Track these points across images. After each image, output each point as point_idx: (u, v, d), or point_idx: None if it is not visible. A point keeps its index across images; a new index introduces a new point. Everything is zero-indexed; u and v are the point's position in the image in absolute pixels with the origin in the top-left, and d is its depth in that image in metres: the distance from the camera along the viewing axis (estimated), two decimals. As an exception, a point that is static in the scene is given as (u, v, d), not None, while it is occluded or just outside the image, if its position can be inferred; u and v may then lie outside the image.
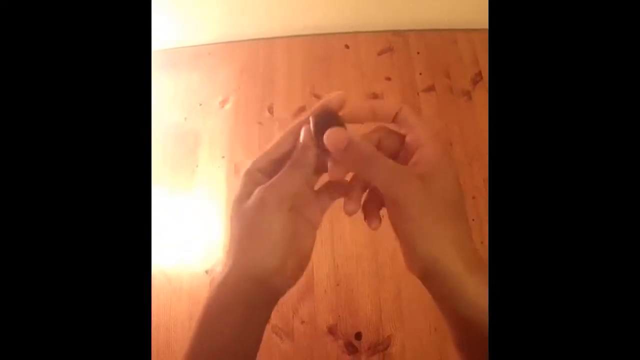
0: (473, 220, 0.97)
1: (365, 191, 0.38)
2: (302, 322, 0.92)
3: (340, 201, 0.38)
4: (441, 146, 0.34)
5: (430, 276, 0.33)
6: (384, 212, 0.37)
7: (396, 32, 1.22)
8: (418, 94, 1.13)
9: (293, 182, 0.34)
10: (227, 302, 0.35)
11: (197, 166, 1.11)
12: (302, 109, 1.14)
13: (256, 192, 0.34)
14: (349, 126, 0.35)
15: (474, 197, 0.99)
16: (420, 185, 0.32)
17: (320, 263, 0.96)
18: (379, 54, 1.19)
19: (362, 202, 0.38)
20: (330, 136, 0.33)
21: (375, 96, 1.13)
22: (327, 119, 0.34)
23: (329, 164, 0.35)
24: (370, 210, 0.38)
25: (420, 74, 1.15)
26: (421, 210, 0.32)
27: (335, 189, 0.39)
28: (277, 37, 1.25)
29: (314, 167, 0.35)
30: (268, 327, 0.91)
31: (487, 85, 1.12)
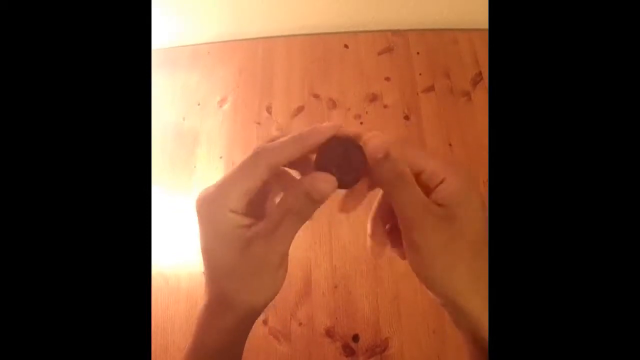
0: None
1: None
2: (300, 324, 0.91)
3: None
4: (465, 179, 0.31)
5: (447, 308, 0.33)
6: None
7: (396, 32, 1.21)
8: (418, 94, 1.12)
9: (294, 232, 0.31)
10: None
11: (195, 166, 1.11)
12: (300, 109, 1.14)
13: (259, 254, 0.31)
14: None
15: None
16: (442, 224, 0.30)
17: (318, 265, 0.95)
18: (379, 53, 1.19)
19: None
20: (373, 140, 0.31)
21: (374, 96, 1.13)
22: (351, 146, 0.31)
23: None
24: (379, 231, 0.37)
25: (420, 74, 1.15)
26: (440, 250, 0.30)
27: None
28: (276, 37, 1.25)
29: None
30: (265, 329, 0.91)
31: (487, 85, 1.12)
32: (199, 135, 1.15)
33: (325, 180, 0.30)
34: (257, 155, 0.31)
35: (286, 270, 0.34)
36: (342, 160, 0.31)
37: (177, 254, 1.03)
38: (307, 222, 0.31)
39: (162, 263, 1.02)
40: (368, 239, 0.39)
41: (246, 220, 0.31)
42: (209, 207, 0.31)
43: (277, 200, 0.31)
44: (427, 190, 0.32)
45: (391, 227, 0.38)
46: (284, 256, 0.32)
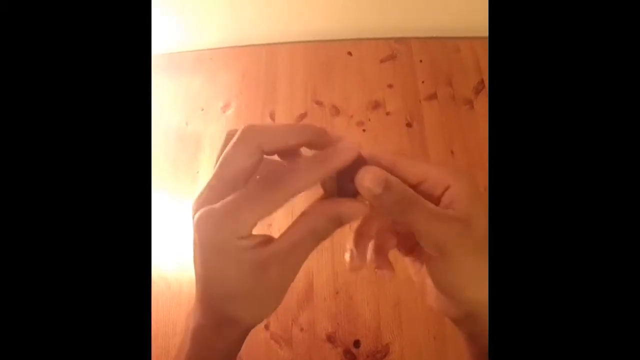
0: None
1: (370, 241, 0.36)
2: (301, 329, 0.91)
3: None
4: (469, 181, 0.31)
5: (469, 317, 0.32)
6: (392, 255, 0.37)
7: (399, 40, 1.22)
8: (420, 101, 1.13)
9: (311, 251, 0.31)
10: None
11: (197, 172, 1.11)
12: (303, 116, 1.14)
13: (275, 271, 0.29)
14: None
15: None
16: (462, 228, 0.29)
17: (320, 271, 0.95)
18: (382, 61, 1.19)
19: (368, 256, 0.36)
20: (367, 176, 0.29)
21: (377, 104, 1.13)
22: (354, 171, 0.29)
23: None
24: (382, 257, 0.37)
25: (423, 82, 1.15)
26: (467, 257, 0.29)
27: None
28: (280, 43, 1.26)
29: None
30: (267, 334, 0.91)
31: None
32: (202, 140, 1.15)
33: (354, 207, 0.29)
34: (245, 134, 0.29)
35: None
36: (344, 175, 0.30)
37: (179, 258, 1.03)
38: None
39: (164, 267, 1.02)
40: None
41: (258, 238, 0.29)
42: (216, 231, 0.28)
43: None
44: (433, 199, 0.31)
45: (377, 246, 0.38)
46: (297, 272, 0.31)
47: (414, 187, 0.31)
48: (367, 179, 0.29)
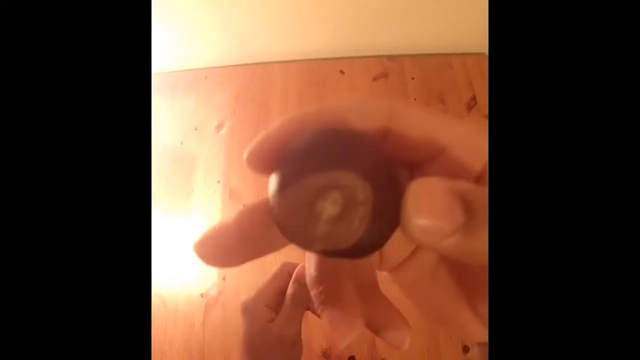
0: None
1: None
2: (296, 349, 0.91)
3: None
4: None
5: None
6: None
7: (391, 57, 1.23)
8: (412, 119, 1.13)
9: (301, 314, 0.42)
10: None
11: (192, 191, 1.12)
12: (297, 135, 1.13)
13: (275, 329, 0.41)
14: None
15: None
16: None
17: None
18: (374, 79, 1.20)
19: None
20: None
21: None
22: None
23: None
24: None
25: (415, 99, 1.16)
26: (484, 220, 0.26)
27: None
28: (273, 62, 1.27)
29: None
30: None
31: (481, 110, 1.13)
32: (196, 159, 1.16)
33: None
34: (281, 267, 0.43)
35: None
36: None
37: (175, 276, 1.03)
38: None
39: (160, 285, 1.03)
40: None
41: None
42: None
43: None
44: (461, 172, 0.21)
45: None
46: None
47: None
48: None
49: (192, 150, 1.17)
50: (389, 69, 1.21)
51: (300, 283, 0.42)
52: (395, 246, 0.27)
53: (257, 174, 0.20)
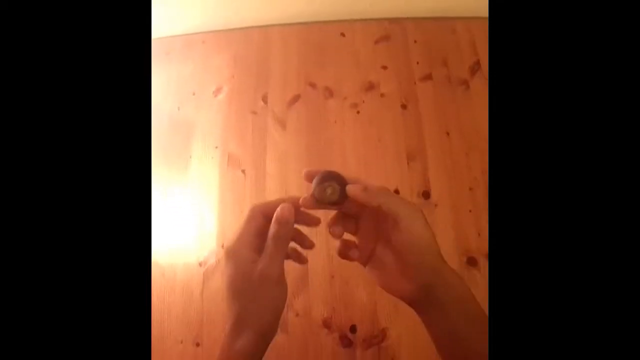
0: (470, 211, 0.96)
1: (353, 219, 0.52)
2: (297, 315, 0.91)
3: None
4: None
5: (425, 290, 0.46)
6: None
7: (393, 20, 1.20)
8: (415, 83, 1.11)
9: (283, 253, 0.45)
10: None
11: (190, 157, 1.10)
12: (296, 98, 1.13)
13: (258, 270, 0.43)
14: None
15: (471, 189, 0.98)
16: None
17: (315, 255, 0.94)
18: (376, 42, 1.18)
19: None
20: (351, 187, 0.44)
21: (371, 85, 1.11)
22: (333, 175, 0.46)
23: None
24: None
25: (418, 62, 1.14)
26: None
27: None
28: (272, 25, 1.23)
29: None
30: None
31: (485, 74, 1.11)
32: (194, 125, 1.14)
33: (287, 209, 0.44)
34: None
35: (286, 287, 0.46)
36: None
37: (173, 245, 1.02)
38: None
39: (157, 254, 1.01)
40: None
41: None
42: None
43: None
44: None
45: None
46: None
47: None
48: (352, 187, 0.44)
49: (189, 116, 1.15)
50: (390, 32, 1.18)
51: (281, 222, 0.43)
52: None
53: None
